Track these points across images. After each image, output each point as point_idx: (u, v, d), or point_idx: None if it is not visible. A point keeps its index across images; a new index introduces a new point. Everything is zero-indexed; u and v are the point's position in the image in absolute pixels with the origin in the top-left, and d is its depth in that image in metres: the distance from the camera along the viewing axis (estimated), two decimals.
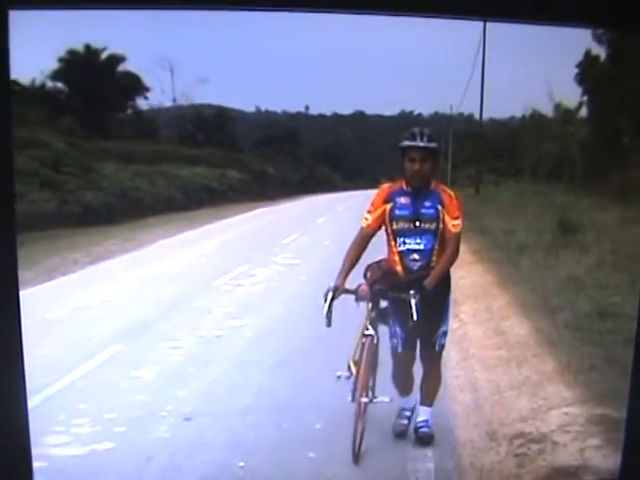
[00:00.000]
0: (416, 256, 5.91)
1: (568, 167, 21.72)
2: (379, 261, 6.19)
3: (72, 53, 24.90)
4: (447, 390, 7.12)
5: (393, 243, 5.98)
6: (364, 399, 5.87)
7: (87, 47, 25.03)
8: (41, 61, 22.54)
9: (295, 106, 29.10)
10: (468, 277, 12.45)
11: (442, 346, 6.17)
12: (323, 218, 20.69)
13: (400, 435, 6.23)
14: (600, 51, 20.92)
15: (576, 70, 22.15)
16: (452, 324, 6.01)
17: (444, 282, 6.02)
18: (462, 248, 6.02)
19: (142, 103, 26.89)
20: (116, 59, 25.89)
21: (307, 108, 30.67)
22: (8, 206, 2.40)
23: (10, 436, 2.57)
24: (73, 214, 19.04)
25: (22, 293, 8.72)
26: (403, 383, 6.30)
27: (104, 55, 25.81)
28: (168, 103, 27.48)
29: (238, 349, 9.02)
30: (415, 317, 5.57)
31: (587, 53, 21.73)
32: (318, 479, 5.52)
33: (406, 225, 5.91)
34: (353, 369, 5.96)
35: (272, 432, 6.36)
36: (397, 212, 5.92)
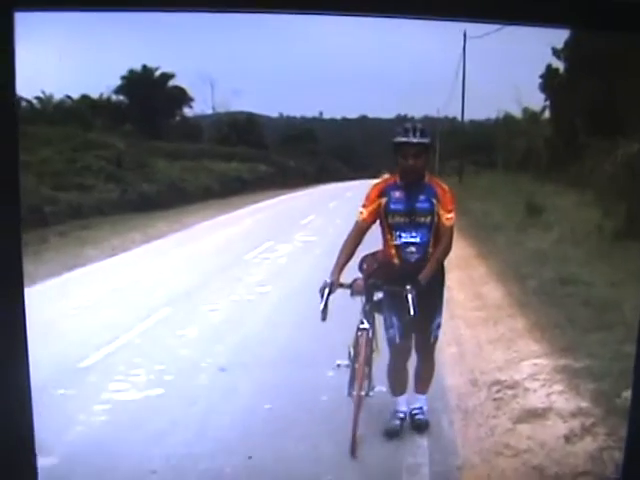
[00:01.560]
0: (413, 249, 5.05)
1: (534, 159, 21.53)
2: (374, 253, 5.32)
3: (132, 72, 24.82)
4: (437, 344, 7.02)
5: (389, 237, 5.12)
6: (361, 393, 5.05)
7: (144, 67, 24.95)
8: (106, 77, 22.53)
9: (311, 112, 28.94)
10: (453, 251, 12.25)
11: (436, 337, 5.31)
12: (335, 202, 20.49)
13: (392, 434, 5.25)
14: (559, 64, 20.76)
15: (540, 80, 22.01)
16: None
17: (439, 276, 5.20)
18: None
19: (187, 111, 26.74)
20: (167, 76, 25.72)
21: (321, 113, 30.52)
22: (13, 202, 2.22)
23: (14, 432, 2.39)
24: (132, 201, 19.03)
25: (90, 268, 8.65)
26: (398, 380, 5.34)
27: (157, 73, 25.69)
28: (208, 111, 27.32)
29: (265, 311, 8.93)
30: (412, 312, 4.78)
31: (548, 66, 21.52)
32: (329, 418, 5.42)
33: (401, 219, 5.05)
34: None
35: (292, 380, 6.29)
36: (392, 206, 5.07)
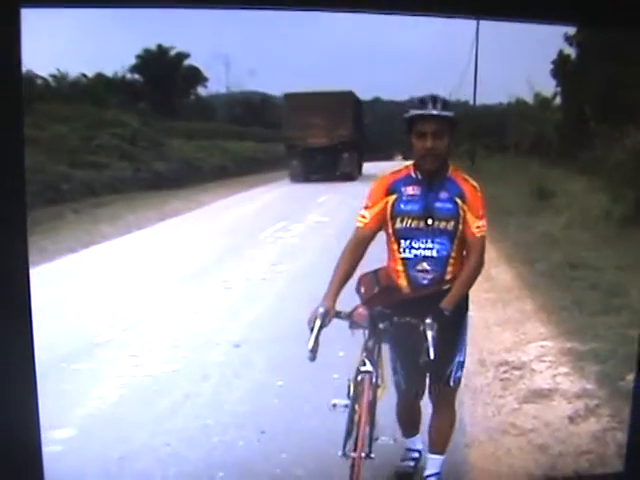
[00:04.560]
0: (426, 266, 3.69)
1: (544, 145, 21.46)
2: (376, 270, 3.92)
3: (147, 51, 24.83)
4: None
5: (395, 247, 3.75)
6: (361, 454, 3.56)
7: (159, 46, 24.94)
8: (122, 57, 22.59)
9: None
10: None
11: (458, 380, 3.93)
12: (350, 182, 20.42)
13: (404, 478, 4.20)
14: (570, 51, 20.65)
15: (551, 66, 21.90)
16: None
17: (462, 301, 3.79)
18: None
19: (202, 90, 26.74)
20: (181, 55, 25.73)
21: None
22: (19, 198, 2.27)
23: (21, 429, 2.43)
24: (145, 180, 19.10)
25: (104, 245, 8.71)
26: (409, 421, 4.20)
27: (172, 52, 25.70)
28: (223, 90, 27.34)
29: (278, 289, 8.99)
30: (432, 355, 3.41)
31: (560, 52, 21.39)
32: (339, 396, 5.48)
33: (414, 223, 3.68)
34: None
35: (304, 356, 6.34)
36: (403, 206, 3.70)
